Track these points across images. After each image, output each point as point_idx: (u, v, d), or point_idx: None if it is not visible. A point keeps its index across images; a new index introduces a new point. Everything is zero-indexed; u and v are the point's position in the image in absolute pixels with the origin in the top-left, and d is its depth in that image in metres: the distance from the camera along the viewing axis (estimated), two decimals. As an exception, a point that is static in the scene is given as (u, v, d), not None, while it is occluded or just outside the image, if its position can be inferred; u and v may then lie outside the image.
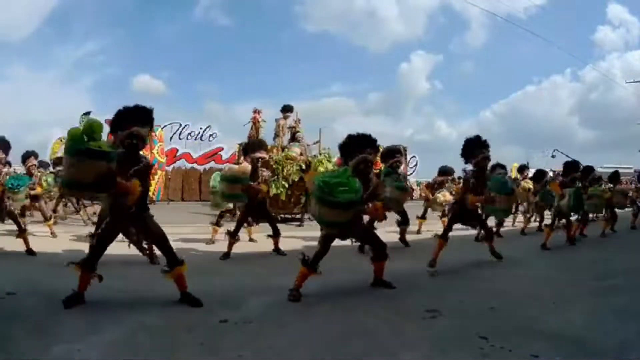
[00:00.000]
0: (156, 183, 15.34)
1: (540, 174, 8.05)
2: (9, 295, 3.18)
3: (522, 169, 9.72)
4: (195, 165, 18.57)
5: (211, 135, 19.02)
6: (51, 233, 6.41)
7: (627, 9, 36.87)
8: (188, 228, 7.86)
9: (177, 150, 18.43)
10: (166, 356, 2.31)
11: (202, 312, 2.98)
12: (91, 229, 5.62)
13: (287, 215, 9.68)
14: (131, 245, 4.12)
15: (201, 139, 18.88)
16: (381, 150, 5.14)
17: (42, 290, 3.32)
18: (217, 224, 6.23)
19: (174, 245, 3.31)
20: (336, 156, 11.03)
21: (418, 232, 7.68)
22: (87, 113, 16.97)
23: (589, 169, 7.29)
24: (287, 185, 9.26)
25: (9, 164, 6.15)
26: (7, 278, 3.61)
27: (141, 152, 3.21)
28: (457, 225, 4.74)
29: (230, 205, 6.51)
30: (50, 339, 2.41)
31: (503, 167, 6.99)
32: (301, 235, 6.67)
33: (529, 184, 8.44)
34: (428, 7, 44.86)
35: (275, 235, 5.47)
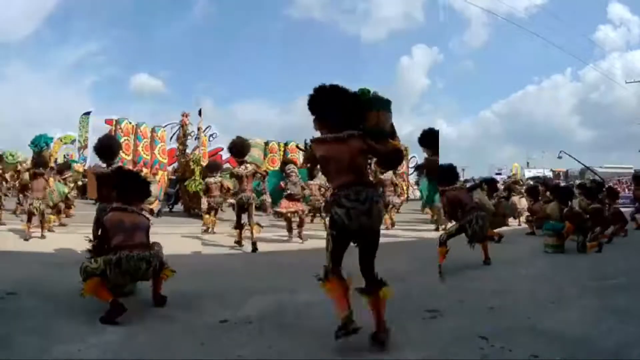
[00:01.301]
0: (157, 183, 15.31)
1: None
2: (9, 295, 3.18)
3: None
4: (195, 165, 18.49)
5: (211, 135, 18.98)
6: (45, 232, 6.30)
7: (628, 8, 36.80)
8: (188, 228, 7.87)
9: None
10: (166, 356, 2.30)
11: (202, 312, 2.98)
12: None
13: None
14: None
15: (201, 139, 18.79)
16: None
17: (42, 290, 3.33)
18: (238, 226, 6.08)
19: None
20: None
21: None
22: (87, 113, 16.97)
23: None
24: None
25: None
26: (7, 278, 3.61)
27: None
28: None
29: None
30: (50, 339, 2.41)
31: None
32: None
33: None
34: (428, 7, 44.90)
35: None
